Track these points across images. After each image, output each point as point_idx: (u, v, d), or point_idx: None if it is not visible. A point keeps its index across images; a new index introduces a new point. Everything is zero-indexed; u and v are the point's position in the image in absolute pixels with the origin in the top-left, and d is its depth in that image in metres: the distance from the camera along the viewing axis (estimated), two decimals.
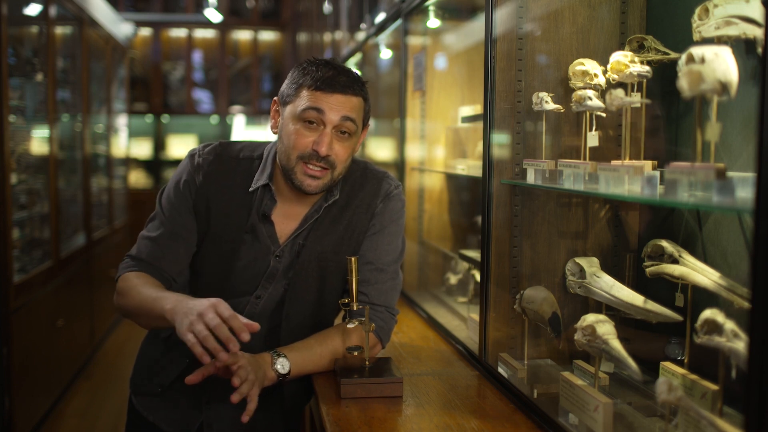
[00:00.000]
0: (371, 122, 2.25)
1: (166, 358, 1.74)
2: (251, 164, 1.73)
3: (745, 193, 1.05)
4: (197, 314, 1.39)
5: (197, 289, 1.72)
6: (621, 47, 1.75)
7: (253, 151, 1.76)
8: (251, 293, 1.71)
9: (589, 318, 1.39)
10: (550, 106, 1.69)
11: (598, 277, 1.58)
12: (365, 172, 1.77)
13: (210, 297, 1.62)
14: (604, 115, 1.66)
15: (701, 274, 1.39)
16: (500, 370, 1.76)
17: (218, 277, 1.70)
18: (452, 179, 2.81)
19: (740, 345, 1.09)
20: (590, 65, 1.64)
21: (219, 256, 1.70)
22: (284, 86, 1.67)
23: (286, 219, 1.72)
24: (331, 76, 1.60)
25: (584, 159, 1.66)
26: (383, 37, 3.34)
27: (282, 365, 1.57)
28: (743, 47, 1.36)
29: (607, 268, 1.72)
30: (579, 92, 1.60)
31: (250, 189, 1.69)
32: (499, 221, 1.81)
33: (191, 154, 1.74)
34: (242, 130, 8.39)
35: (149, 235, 1.71)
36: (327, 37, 5.27)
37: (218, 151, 1.74)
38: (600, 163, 1.42)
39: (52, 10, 4.12)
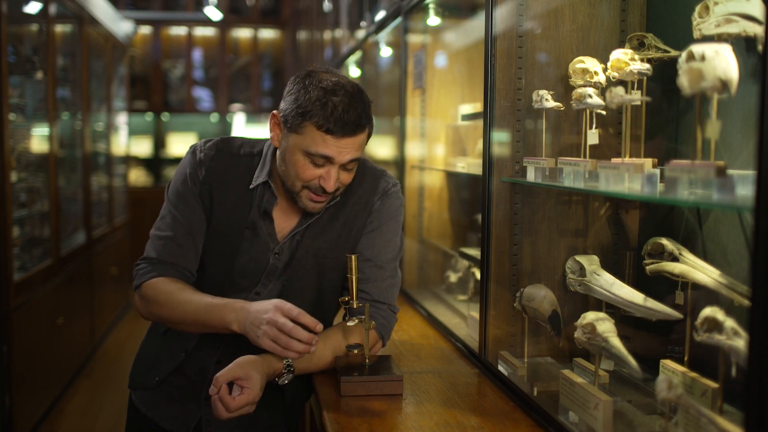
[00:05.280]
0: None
1: (164, 352, 1.75)
2: (251, 160, 1.74)
3: (745, 191, 1.05)
4: (267, 322, 1.46)
5: (200, 283, 1.72)
6: (621, 45, 1.75)
7: (253, 147, 1.76)
8: (251, 290, 1.71)
9: (589, 316, 1.39)
10: (550, 104, 1.68)
11: (598, 275, 1.58)
12: (363, 170, 1.77)
13: (212, 293, 1.64)
14: (604, 112, 1.66)
15: (701, 272, 1.39)
16: (500, 368, 1.76)
17: (220, 273, 1.71)
18: (452, 177, 2.81)
19: (740, 343, 1.09)
20: (590, 63, 1.64)
21: (220, 252, 1.70)
22: (287, 106, 1.57)
23: (286, 216, 1.72)
24: (341, 115, 1.51)
25: (584, 157, 1.66)
26: (383, 35, 3.33)
27: (289, 363, 1.58)
28: (743, 45, 1.36)
29: (607, 266, 1.72)
30: (579, 90, 1.60)
31: (251, 186, 1.70)
32: (499, 219, 1.81)
33: (192, 150, 1.74)
34: (242, 128, 8.38)
35: (164, 235, 1.69)
36: (327, 35, 5.26)
37: (219, 147, 1.75)
38: (600, 161, 1.42)
39: (52, 8, 4.12)
